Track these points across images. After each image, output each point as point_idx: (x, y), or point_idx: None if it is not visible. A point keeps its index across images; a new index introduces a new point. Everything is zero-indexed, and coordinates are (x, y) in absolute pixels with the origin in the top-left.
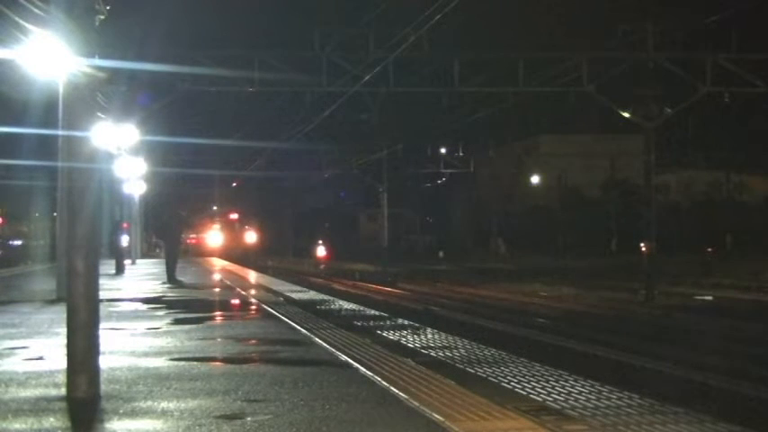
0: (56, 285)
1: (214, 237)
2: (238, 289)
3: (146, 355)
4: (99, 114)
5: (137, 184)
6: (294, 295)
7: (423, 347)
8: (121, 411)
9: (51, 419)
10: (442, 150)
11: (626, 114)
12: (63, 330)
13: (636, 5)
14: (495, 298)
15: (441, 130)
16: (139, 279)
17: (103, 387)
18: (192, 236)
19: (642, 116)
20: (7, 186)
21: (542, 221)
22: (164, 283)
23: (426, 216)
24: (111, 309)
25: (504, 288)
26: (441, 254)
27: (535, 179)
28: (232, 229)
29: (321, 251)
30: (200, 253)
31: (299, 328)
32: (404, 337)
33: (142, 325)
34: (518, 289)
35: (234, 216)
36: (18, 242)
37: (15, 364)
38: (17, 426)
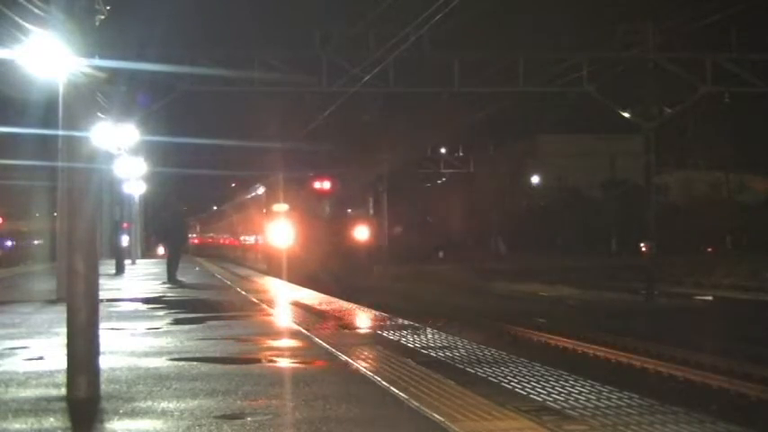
0: (56, 285)
1: (278, 230)
2: (238, 289)
3: (146, 355)
4: (99, 114)
5: (137, 184)
6: (294, 295)
7: (423, 347)
8: (121, 411)
9: (51, 419)
10: (442, 150)
11: (626, 114)
12: (63, 330)
13: (636, 5)
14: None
15: (441, 130)
16: (139, 279)
17: (103, 387)
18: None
19: (642, 116)
20: (7, 186)
21: (542, 221)
22: (164, 283)
23: (426, 216)
24: (111, 309)
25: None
26: (441, 254)
27: (535, 179)
28: (318, 214)
29: None
30: (241, 260)
31: (299, 327)
32: (404, 337)
33: (142, 325)
34: (519, 288)
35: (325, 184)
36: (38, 241)
37: (16, 364)
38: (17, 426)
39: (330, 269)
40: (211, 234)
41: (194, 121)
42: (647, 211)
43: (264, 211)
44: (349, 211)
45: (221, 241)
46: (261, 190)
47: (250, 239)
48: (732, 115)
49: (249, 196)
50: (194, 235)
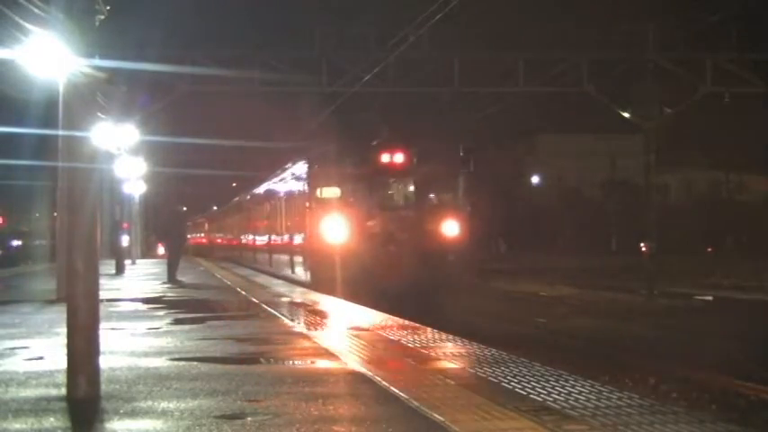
0: (56, 285)
1: (326, 226)
2: (238, 289)
3: (146, 354)
4: (99, 114)
5: (137, 183)
6: (295, 295)
7: (423, 347)
8: (121, 411)
9: (51, 419)
10: None
11: (626, 114)
12: (63, 330)
13: (636, 5)
14: None
15: (441, 129)
16: (139, 279)
17: (103, 387)
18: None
19: (642, 116)
20: (7, 186)
21: (542, 221)
22: (164, 282)
23: None
24: (111, 309)
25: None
26: None
27: (535, 179)
28: (387, 201)
29: None
30: (264, 265)
31: (299, 327)
32: (404, 336)
33: (142, 325)
34: (520, 288)
35: (397, 158)
36: (39, 241)
37: (16, 364)
38: (17, 426)
39: (404, 279)
40: (221, 233)
41: (194, 121)
42: (647, 211)
43: (308, 203)
44: (431, 197)
45: (235, 242)
46: (301, 170)
47: (279, 239)
48: (732, 115)
49: (280, 180)
50: (201, 234)
